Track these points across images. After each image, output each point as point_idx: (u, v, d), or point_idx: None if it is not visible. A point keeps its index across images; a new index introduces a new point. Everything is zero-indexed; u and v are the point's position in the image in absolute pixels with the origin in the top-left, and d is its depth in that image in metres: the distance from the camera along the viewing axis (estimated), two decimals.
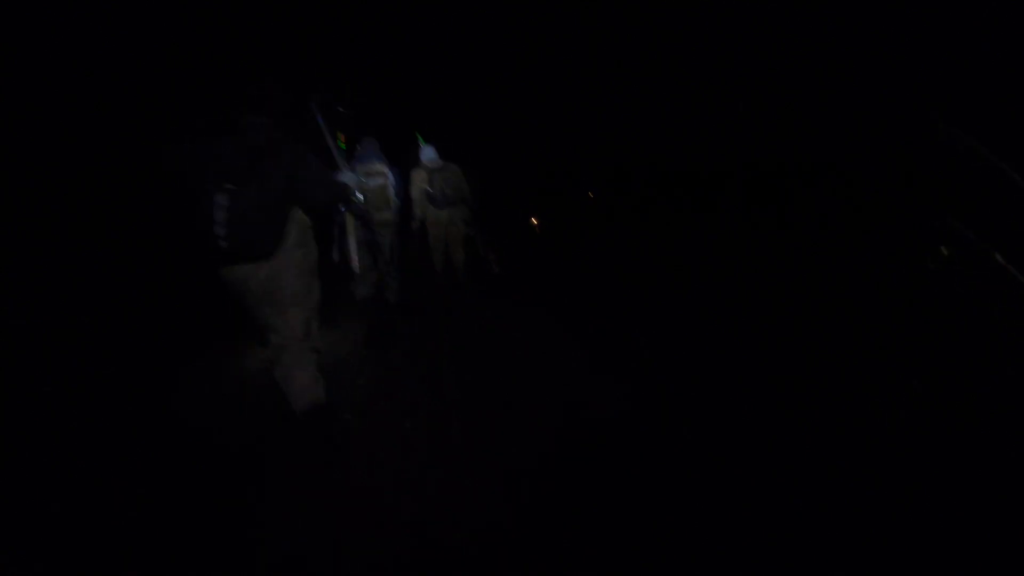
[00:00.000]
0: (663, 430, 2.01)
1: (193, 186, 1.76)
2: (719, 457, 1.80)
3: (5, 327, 2.75)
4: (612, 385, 2.45)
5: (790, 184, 3.58)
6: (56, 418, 2.31)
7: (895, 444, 1.77)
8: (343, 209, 2.48)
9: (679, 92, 4.53)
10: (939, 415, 1.89)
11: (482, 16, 5.25)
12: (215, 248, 1.75)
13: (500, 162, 6.43)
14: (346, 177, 2.30)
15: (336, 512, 1.65)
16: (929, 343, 2.40)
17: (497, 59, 5.78)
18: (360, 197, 2.39)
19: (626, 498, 1.62)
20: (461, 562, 1.41)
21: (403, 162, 4.02)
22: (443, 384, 2.59)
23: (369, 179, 3.55)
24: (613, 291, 4.23)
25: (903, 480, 1.59)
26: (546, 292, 4.44)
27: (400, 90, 5.52)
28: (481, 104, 6.20)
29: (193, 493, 1.77)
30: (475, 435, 2.07)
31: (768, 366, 2.49)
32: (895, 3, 2.94)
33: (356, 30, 4.93)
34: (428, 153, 4.20)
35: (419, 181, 4.27)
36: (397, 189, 3.72)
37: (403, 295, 3.97)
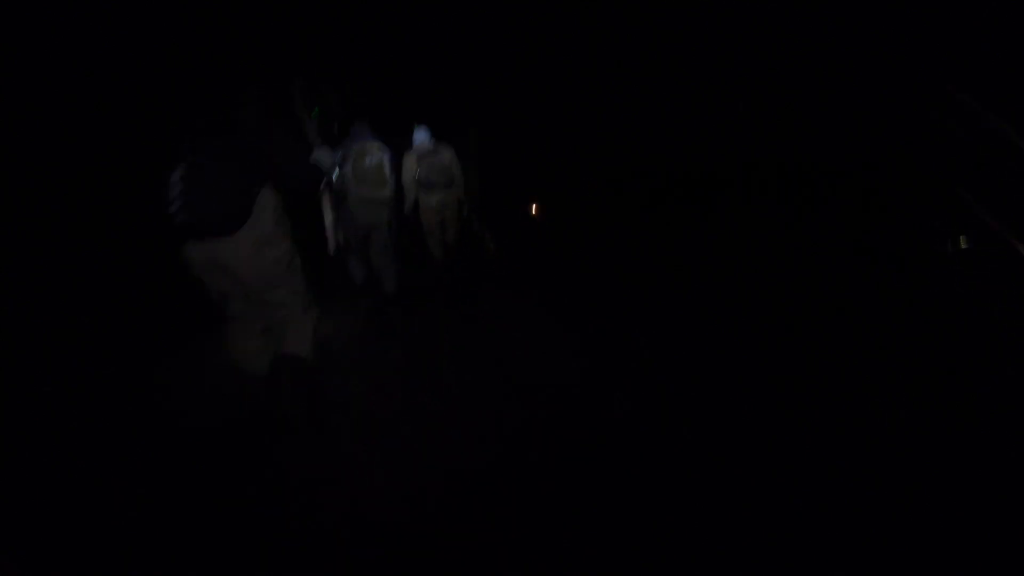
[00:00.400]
0: (663, 427, 1.97)
1: (162, 159, 1.72)
2: (719, 455, 1.77)
3: None
4: (609, 379, 2.40)
5: (800, 172, 3.37)
6: (38, 417, 2.37)
7: (905, 442, 1.72)
8: (320, 188, 2.39)
9: (688, 77, 4.30)
10: (945, 413, 1.83)
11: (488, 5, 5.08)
12: (173, 224, 1.70)
13: (502, 148, 6.26)
14: (321, 155, 2.19)
15: (328, 510, 1.63)
16: (940, 337, 2.25)
17: (501, 44, 5.59)
18: (335, 176, 2.32)
19: (625, 497, 1.60)
20: (457, 561, 1.40)
21: (397, 145, 3.91)
22: (439, 380, 2.56)
23: (365, 158, 3.51)
24: (615, 283, 4.11)
25: (905, 480, 1.56)
26: (546, 282, 4.34)
27: (400, 73, 5.40)
28: (484, 90, 6.02)
29: (180, 491, 1.76)
30: (471, 431, 2.04)
31: (773, 362, 2.41)
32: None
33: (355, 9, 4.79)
34: (420, 137, 4.12)
35: (410, 165, 4.18)
36: (394, 164, 3.68)
37: (400, 282, 3.95)
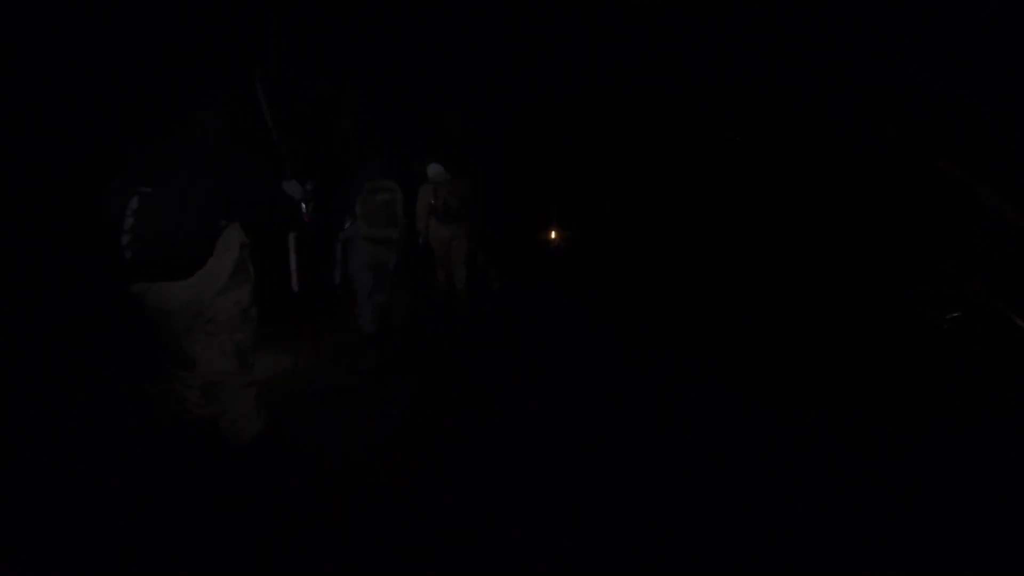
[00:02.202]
0: (664, 431, 1.96)
1: (110, 187, 1.54)
2: (719, 455, 1.78)
3: None
4: (609, 382, 2.39)
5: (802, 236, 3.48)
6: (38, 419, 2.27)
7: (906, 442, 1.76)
8: (290, 226, 2.14)
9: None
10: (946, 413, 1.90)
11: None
12: (123, 261, 1.52)
13: (511, 174, 6.37)
14: (291, 188, 1.99)
15: (327, 510, 1.60)
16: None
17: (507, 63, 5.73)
18: (306, 209, 2.05)
19: (626, 497, 1.60)
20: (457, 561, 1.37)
21: (408, 177, 3.96)
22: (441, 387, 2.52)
23: (376, 195, 3.41)
24: (630, 314, 4.13)
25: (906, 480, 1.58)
26: (558, 314, 4.33)
27: (409, 101, 5.50)
28: (493, 115, 6.15)
29: (179, 491, 1.70)
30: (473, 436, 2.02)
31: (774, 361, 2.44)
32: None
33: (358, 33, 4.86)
34: (434, 168, 4.21)
35: (425, 196, 4.26)
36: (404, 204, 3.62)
37: (407, 319, 3.85)
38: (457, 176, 4.28)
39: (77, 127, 2.57)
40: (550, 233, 6.80)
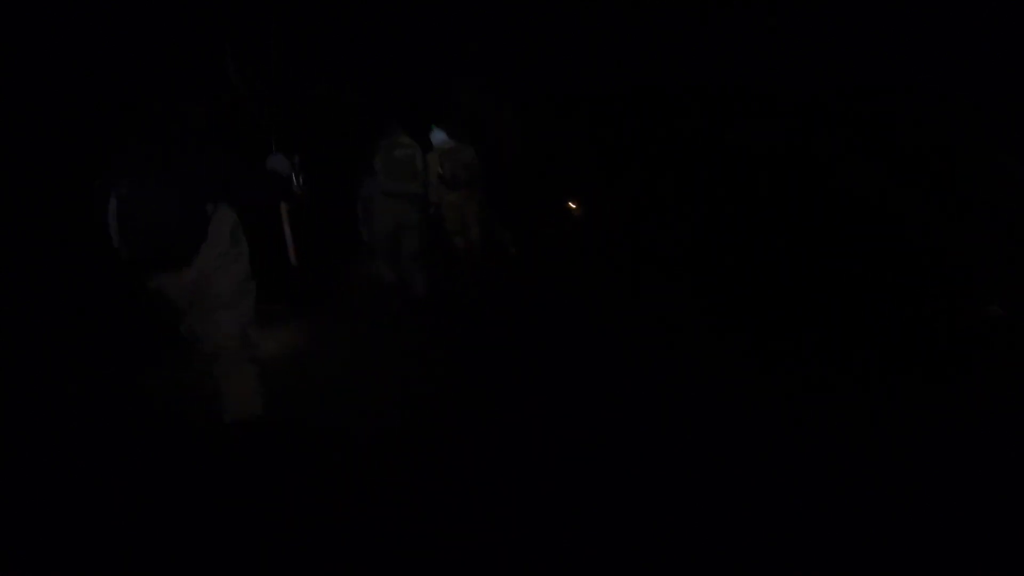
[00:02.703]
0: (665, 427, 1.93)
1: (93, 188, 1.59)
2: (719, 455, 1.73)
3: None
4: (611, 379, 2.33)
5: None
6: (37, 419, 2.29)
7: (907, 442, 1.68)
8: (280, 197, 2.15)
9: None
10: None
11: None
12: (119, 260, 1.58)
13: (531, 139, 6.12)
14: (277, 162, 2.00)
15: (327, 511, 1.61)
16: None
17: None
18: (299, 182, 2.07)
19: (626, 497, 1.58)
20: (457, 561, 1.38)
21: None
22: (448, 379, 2.51)
23: (395, 150, 3.41)
24: (632, 282, 4.02)
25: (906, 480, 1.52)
26: (577, 285, 4.19)
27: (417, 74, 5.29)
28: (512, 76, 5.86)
29: (179, 491, 1.74)
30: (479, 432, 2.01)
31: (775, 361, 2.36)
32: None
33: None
34: (438, 136, 4.08)
35: (432, 164, 4.14)
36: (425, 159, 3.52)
37: (430, 285, 3.76)
38: (462, 143, 4.12)
39: (62, 125, 2.61)
40: (567, 205, 6.55)
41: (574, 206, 6.14)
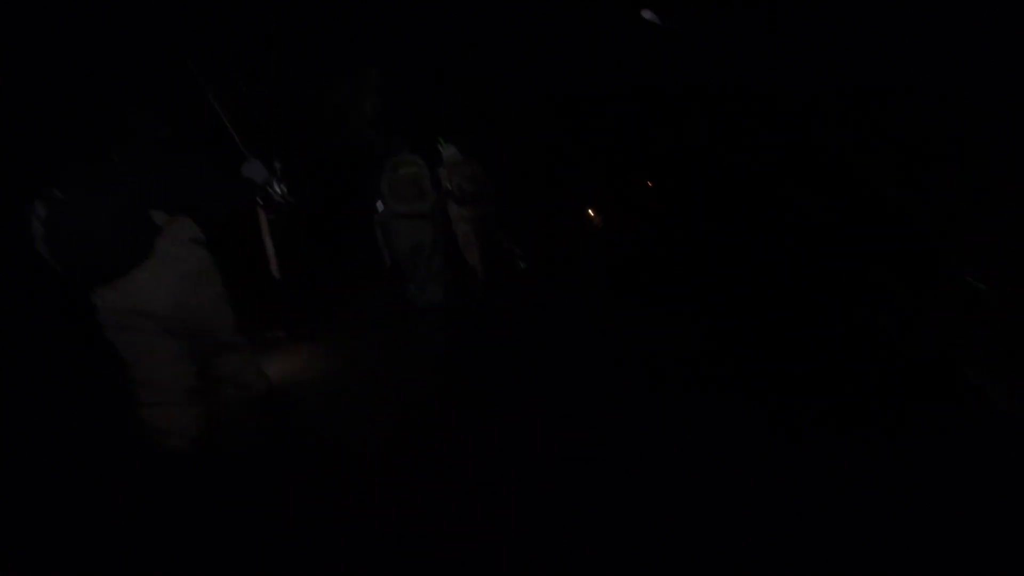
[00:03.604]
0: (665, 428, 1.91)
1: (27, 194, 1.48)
2: (720, 455, 1.71)
3: None
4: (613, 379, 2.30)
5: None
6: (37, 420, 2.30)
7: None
8: (260, 205, 1.99)
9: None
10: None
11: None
12: (53, 270, 1.46)
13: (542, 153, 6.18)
14: (252, 170, 1.86)
15: (327, 511, 1.61)
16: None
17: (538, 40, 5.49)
18: (279, 190, 1.93)
19: (626, 497, 1.57)
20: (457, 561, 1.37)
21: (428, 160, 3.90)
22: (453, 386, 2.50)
23: (399, 170, 3.39)
24: (642, 290, 4.00)
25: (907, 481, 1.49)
26: (584, 294, 4.18)
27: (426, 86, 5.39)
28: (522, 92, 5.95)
29: (178, 491, 1.71)
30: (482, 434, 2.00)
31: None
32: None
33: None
34: (449, 151, 4.14)
35: (441, 179, 4.21)
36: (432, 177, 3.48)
37: (444, 299, 3.70)
38: (471, 157, 4.19)
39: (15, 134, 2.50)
40: (584, 216, 6.57)
41: (592, 214, 6.16)
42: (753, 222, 3.80)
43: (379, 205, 3.49)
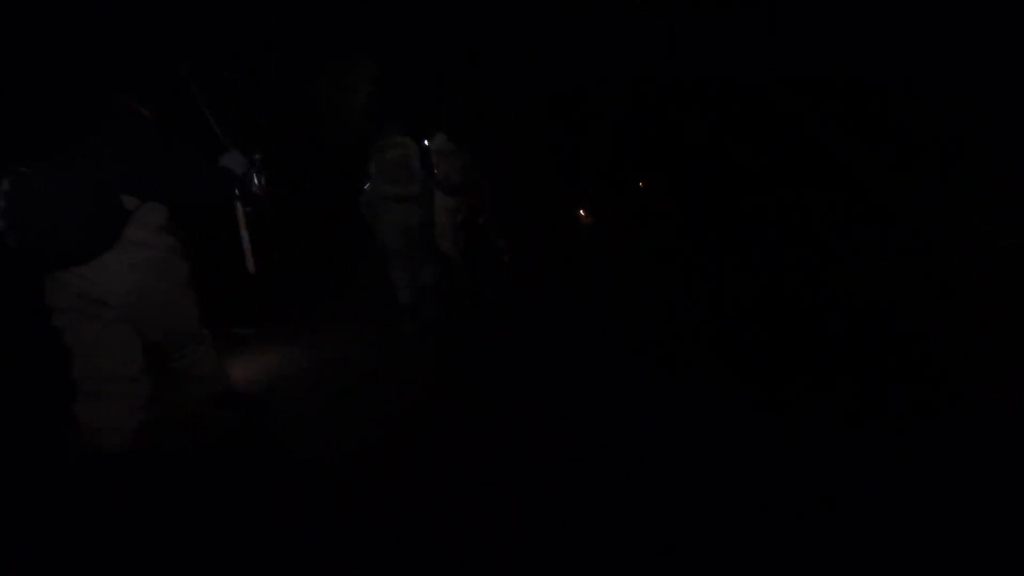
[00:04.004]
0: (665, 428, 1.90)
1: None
2: (720, 455, 1.70)
3: None
4: (611, 378, 2.30)
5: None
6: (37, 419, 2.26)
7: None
8: (237, 198, 1.97)
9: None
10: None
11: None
12: (7, 248, 1.41)
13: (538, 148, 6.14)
14: (231, 160, 1.85)
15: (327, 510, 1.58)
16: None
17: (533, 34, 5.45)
18: (258, 182, 1.91)
19: (626, 497, 1.55)
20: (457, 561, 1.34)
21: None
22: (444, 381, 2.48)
23: (387, 152, 3.30)
24: (629, 286, 3.99)
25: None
26: (561, 308, 4.01)
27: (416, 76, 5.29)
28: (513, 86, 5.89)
29: (178, 491, 1.72)
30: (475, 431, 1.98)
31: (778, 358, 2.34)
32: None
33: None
34: (439, 139, 4.05)
35: (433, 166, 4.11)
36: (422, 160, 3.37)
37: (435, 282, 3.60)
38: (462, 148, 4.11)
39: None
40: (578, 213, 6.57)
41: (583, 214, 6.17)
42: (752, 221, 3.86)
43: (367, 187, 3.42)
